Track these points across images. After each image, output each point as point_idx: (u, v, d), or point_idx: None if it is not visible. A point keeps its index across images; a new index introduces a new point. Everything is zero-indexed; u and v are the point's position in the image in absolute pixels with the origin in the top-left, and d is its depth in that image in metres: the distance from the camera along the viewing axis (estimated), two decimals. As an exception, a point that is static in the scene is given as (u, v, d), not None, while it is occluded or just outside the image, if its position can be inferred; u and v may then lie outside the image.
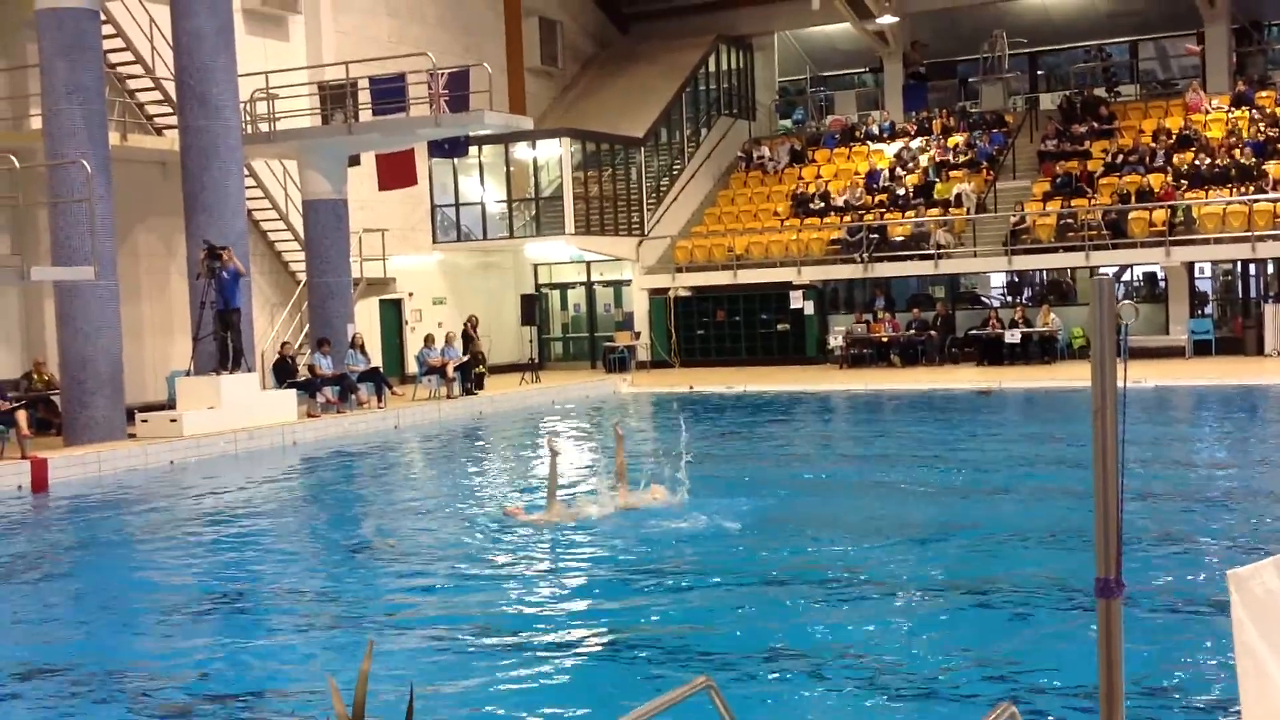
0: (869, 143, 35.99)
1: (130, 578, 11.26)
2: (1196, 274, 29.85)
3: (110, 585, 10.90)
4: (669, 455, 14.52)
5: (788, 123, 40.50)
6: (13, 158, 18.26)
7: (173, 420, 19.77)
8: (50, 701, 7.59)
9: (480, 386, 25.96)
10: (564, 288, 35.67)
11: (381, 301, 30.00)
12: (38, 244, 20.69)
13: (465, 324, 28.04)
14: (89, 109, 19.50)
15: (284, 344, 23.86)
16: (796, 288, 31.57)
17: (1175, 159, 30.49)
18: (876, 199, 33.02)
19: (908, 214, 31.85)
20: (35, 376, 21.28)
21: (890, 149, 35.12)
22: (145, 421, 19.98)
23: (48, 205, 19.77)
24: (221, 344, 20.63)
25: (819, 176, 34.94)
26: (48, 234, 20.01)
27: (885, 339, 30.18)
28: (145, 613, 9.75)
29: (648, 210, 34.57)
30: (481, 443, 21.19)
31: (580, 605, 9.42)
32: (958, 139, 34.35)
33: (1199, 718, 6.54)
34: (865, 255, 30.58)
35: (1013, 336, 28.52)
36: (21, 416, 17.83)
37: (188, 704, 7.38)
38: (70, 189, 19.20)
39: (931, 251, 30.19)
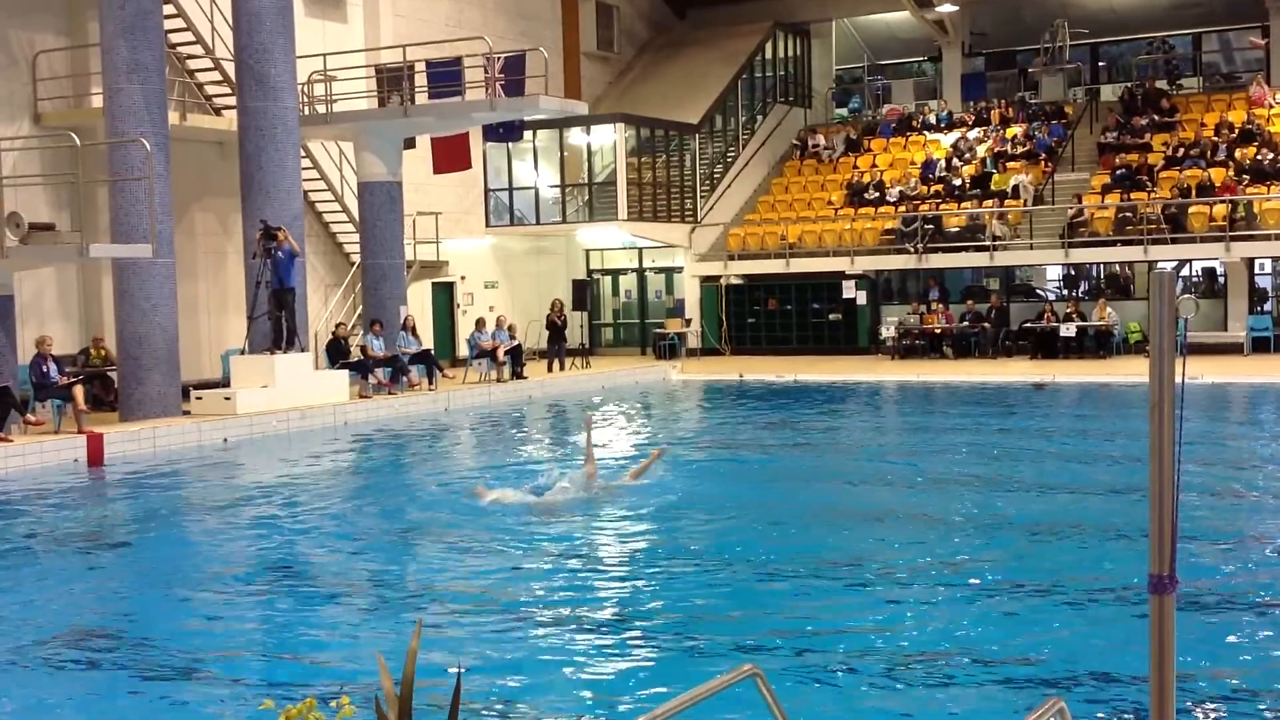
0: (925, 132, 35.71)
1: (181, 551, 11.42)
2: (1257, 270, 29.43)
3: (161, 558, 11.05)
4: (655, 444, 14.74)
5: (844, 111, 40.27)
6: (73, 135, 18.48)
7: (227, 398, 19.96)
8: (100, 671, 7.70)
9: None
10: (616, 273, 35.68)
11: (434, 284, 30.14)
12: (97, 221, 20.92)
13: (550, 312, 28.03)
14: (149, 88, 19.68)
15: (338, 325, 24.00)
16: (849, 277, 31.39)
17: (1237, 153, 30.05)
18: (932, 189, 32.79)
19: (963, 205, 31.60)
20: (93, 352, 21.54)
21: (947, 139, 34.83)
22: (200, 399, 20.18)
23: (107, 183, 19.99)
24: (276, 323, 20.80)
25: (874, 166, 34.70)
26: (107, 211, 20.24)
27: (938, 330, 29.97)
28: (195, 587, 9.86)
29: (701, 197, 34.50)
30: (529, 427, 21.26)
31: (624, 591, 9.43)
32: (1016, 130, 34.00)
33: (1251, 714, 6.47)
34: (919, 246, 30.38)
35: (1068, 330, 28.24)
36: (78, 391, 18.11)
37: (236, 677, 7.46)
38: (130, 167, 19.39)
39: (987, 243, 29.95)
